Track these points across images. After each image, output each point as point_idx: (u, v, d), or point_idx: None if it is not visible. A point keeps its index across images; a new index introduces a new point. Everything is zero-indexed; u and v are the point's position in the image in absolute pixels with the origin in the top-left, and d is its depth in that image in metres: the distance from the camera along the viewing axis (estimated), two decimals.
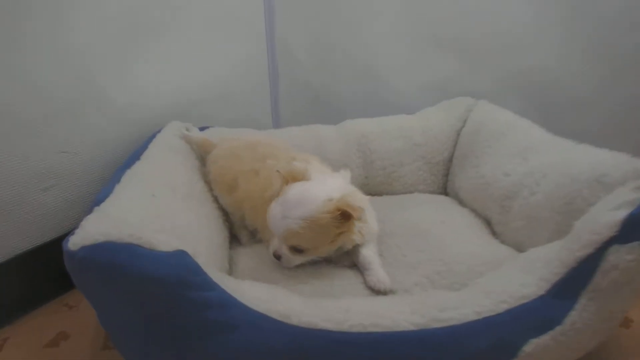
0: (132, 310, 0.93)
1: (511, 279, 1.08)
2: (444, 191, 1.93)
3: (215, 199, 1.57)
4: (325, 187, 1.19)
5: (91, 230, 0.90)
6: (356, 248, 1.33)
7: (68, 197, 1.54)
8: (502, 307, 1.00)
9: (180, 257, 0.92)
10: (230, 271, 1.34)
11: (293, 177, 1.25)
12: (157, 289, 0.89)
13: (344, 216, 1.14)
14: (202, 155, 1.71)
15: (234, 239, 1.54)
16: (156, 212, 1.18)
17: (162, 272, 0.88)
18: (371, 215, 1.39)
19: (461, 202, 1.74)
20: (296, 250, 1.19)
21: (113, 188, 1.20)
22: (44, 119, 1.42)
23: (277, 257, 1.23)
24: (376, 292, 1.22)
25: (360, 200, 1.30)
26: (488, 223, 1.56)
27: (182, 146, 1.65)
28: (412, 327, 0.95)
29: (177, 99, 1.84)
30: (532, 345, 0.98)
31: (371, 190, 1.91)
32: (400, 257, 1.35)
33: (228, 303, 0.94)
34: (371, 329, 0.94)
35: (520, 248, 1.37)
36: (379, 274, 1.24)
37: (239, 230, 1.54)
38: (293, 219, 1.14)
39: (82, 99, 1.50)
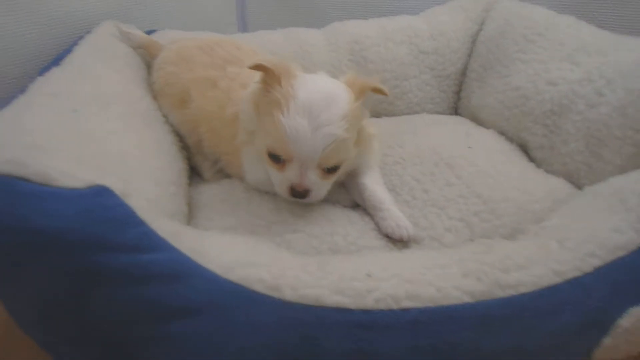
0: (23, 294, 0.57)
1: (595, 223, 0.75)
2: (455, 112, 1.58)
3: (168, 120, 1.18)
4: (329, 78, 0.94)
5: None
6: (355, 180, 0.99)
7: None
8: (591, 264, 0.69)
9: (96, 198, 0.55)
10: (190, 218, 0.97)
11: (287, 71, 0.88)
12: (53, 254, 0.52)
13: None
14: (149, 62, 1.30)
15: (194, 173, 1.17)
16: (75, 133, 0.79)
17: (59, 223, 0.51)
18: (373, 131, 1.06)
19: (481, 124, 1.39)
20: (329, 170, 0.89)
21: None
22: None
23: (304, 193, 0.88)
24: (396, 240, 0.88)
25: None
26: (524, 148, 1.22)
27: (122, 50, 1.25)
28: (467, 299, 0.62)
29: None
30: (631, 318, 0.69)
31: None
32: (421, 193, 1.01)
33: (183, 271, 0.58)
34: (407, 304, 0.61)
35: (574, 180, 1.04)
36: (396, 215, 0.90)
37: (199, 160, 1.16)
38: (336, 124, 0.84)
39: None
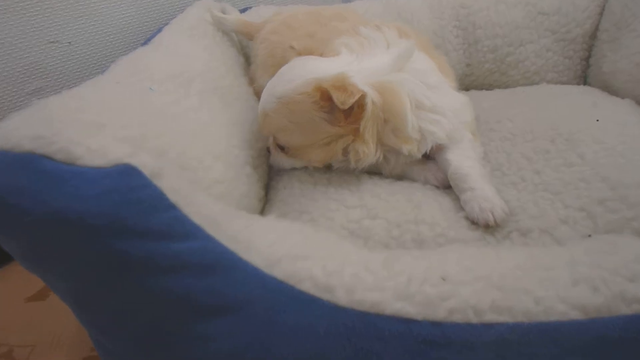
0: (55, 279, 0.53)
1: None
2: (583, 81, 1.35)
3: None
4: (335, 64, 0.84)
5: None
6: (440, 154, 0.87)
7: None
8: None
9: (121, 178, 0.48)
10: (266, 201, 0.90)
11: (309, 53, 0.84)
12: (76, 238, 0.47)
13: (326, 100, 0.79)
14: (243, 42, 1.26)
15: None
16: (143, 111, 0.75)
17: (80, 205, 0.46)
18: (456, 102, 0.92)
19: (615, 95, 1.16)
20: (280, 147, 0.91)
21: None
22: None
23: (268, 150, 0.96)
24: (483, 227, 0.75)
25: (413, 85, 0.83)
26: None
27: (212, 31, 1.20)
28: (576, 315, 0.48)
29: None
30: None
31: (476, 82, 1.39)
32: (532, 174, 0.84)
33: (218, 263, 0.51)
34: (492, 317, 0.48)
35: None
36: (480, 194, 0.77)
37: None
38: (269, 97, 0.85)
39: None
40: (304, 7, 1.24)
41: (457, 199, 0.81)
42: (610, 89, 1.21)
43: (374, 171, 0.89)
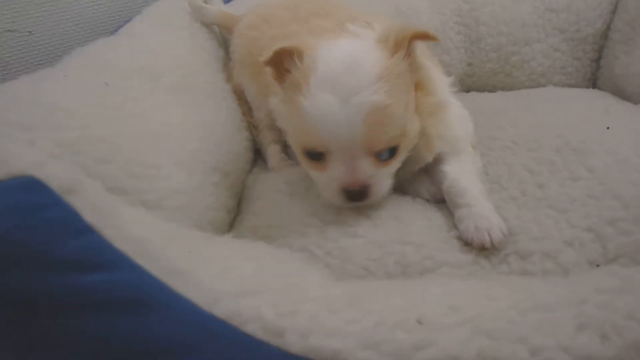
0: None
1: None
2: (593, 84, 1.26)
3: (238, 100, 1.03)
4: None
5: None
6: (436, 165, 0.77)
7: None
8: None
9: (21, 193, 0.40)
10: (237, 212, 0.82)
11: (305, 46, 0.70)
12: None
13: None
14: (224, 36, 1.16)
15: (260, 159, 1.01)
16: (94, 110, 0.67)
17: None
18: (455, 109, 0.82)
19: (628, 100, 1.07)
20: (385, 156, 0.69)
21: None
22: None
23: (362, 192, 0.69)
24: (476, 247, 0.66)
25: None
26: None
27: (189, 22, 1.11)
28: None
29: None
30: None
31: (478, 83, 1.29)
32: (534, 188, 0.75)
33: (146, 299, 0.41)
34: None
35: None
36: (477, 212, 0.68)
37: (265, 142, 1.00)
38: (370, 88, 0.65)
39: None
40: None
41: (449, 216, 0.72)
42: (622, 94, 1.12)
43: None
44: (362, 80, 0.65)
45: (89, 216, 0.41)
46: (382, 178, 0.70)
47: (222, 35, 1.19)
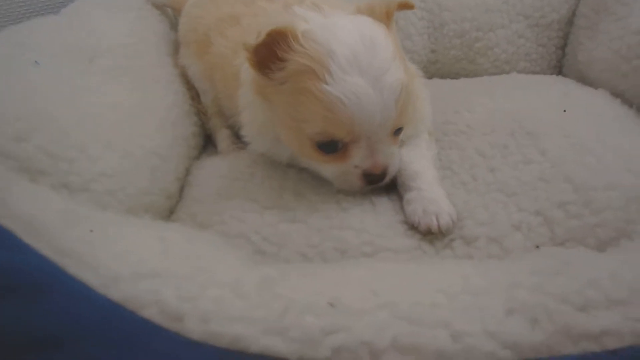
0: None
1: None
2: (559, 72, 1.24)
3: (187, 85, 0.99)
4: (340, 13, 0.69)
5: None
6: None
7: None
8: None
9: None
10: (179, 198, 0.78)
11: (292, 28, 0.63)
12: None
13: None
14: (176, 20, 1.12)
15: (211, 144, 0.97)
16: (19, 88, 0.63)
17: None
18: (422, 87, 0.82)
19: (591, 85, 1.04)
20: (398, 132, 0.69)
21: None
22: None
23: (383, 174, 0.67)
24: (422, 232, 0.63)
25: None
26: None
27: (140, 3, 1.06)
28: (506, 356, 0.36)
29: None
30: None
31: (441, 70, 1.26)
32: (485, 172, 0.73)
33: (36, 283, 0.38)
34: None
35: None
36: (427, 196, 0.65)
37: (214, 127, 0.97)
38: (394, 67, 0.63)
39: None
40: None
41: (396, 200, 0.69)
42: (585, 80, 1.09)
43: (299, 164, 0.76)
44: (384, 59, 0.62)
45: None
46: (396, 155, 0.68)
47: (176, 19, 1.15)
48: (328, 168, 0.68)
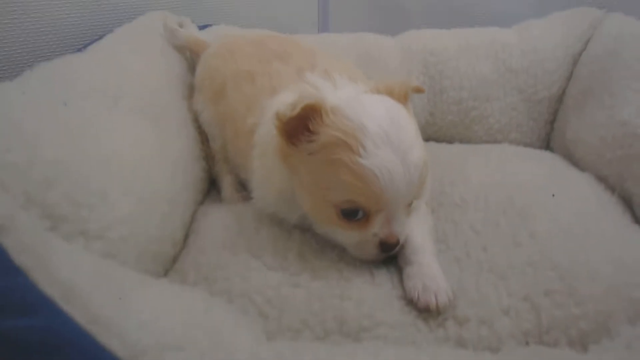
0: None
1: None
2: (546, 145, 1.31)
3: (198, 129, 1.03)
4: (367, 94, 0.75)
5: None
6: None
7: None
8: None
9: None
10: (184, 246, 0.80)
11: (322, 101, 0.67)
12: None
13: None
14: (194, 62, 1.16)
15: (215, 189, 1.00)
16: (46, 131, 0.65)
17: None
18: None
19: (576, 164, 1.11)
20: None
21: None
22: None
23: (397, 243, 0.71)
24: (420, 308, 0.66)
25: None
26: (628, 203, 0.93)
27: (161, 45, 1.10)
28: None
29: None
30: None
31: (438, 133, 1.33)
32: (478, 250, 0.77)
33: (64, 350, 0.40)
34: None
35: None
36: (427, 272, 0.68)
37: (220, 173, 1.00)
38: (418, 145, 0.69)
39: None
40: (260, 33, 1.15)
41: (395, 273, 0.72)
42: (571, 157, 1.15)
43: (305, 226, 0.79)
44: (410, 137, 0.68)
45: (19, 256, 0.40)
46: (407, 224, 0.72)
47: (193, 62, 1.19)
48: (347, 234, 0.71)
